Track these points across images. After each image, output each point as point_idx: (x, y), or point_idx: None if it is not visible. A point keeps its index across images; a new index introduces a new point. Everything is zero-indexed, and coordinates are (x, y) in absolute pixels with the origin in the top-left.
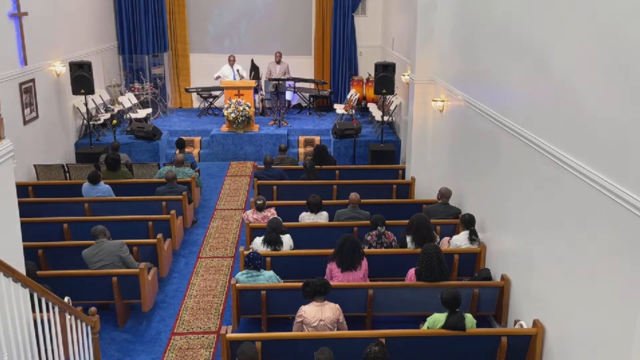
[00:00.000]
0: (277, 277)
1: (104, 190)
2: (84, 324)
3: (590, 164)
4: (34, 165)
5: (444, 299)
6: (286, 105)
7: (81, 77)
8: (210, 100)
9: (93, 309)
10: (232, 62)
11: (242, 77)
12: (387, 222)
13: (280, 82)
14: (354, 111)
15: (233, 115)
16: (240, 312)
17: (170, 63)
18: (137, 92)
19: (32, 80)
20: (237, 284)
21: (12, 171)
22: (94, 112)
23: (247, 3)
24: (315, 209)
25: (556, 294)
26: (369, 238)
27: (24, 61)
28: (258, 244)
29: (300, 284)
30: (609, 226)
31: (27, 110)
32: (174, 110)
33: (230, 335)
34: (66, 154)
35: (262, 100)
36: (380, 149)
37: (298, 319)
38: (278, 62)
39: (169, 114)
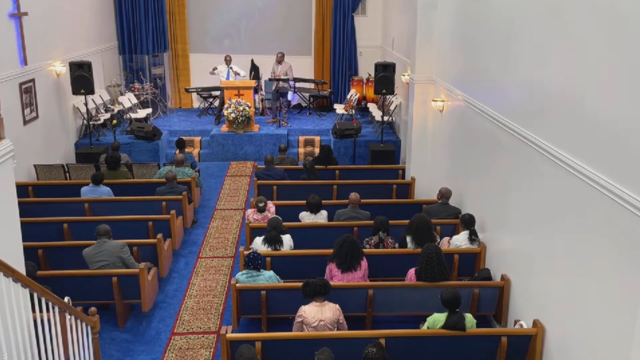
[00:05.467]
0: (277, 277)
1: (103, 192)
2: (84, 324)
3: (590, 164)
4: (34, 165)
5: (444, 299)
6: (286, 105)
7: (81, 77)
8: (210, 100)
9: (93, 309)
10: (228, 61)
11: (237, 74)
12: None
13: (279, 82)
14: (354, 111)
15: (233, 115)
16: (240, 312)
17: (170, 63)
18: (137, 92)
19: (32, 80)
20: (237, 284)
21: (12, 171)
22: (94, 112)
23: (247, 3)
24: (314, 209)
25: (556, 294)
26: (367, 247)
27: (24, 61)
28: (258, 243)
29: (300, 284)
30: (609, 226)
31: (27, 110)
32: (174, 110)
33: (230, 335)
34: (66, 154)
35: (262, 100)
36: (380, 149)
37: (298, 319)
38: (279, 62)
39: (169, 114)
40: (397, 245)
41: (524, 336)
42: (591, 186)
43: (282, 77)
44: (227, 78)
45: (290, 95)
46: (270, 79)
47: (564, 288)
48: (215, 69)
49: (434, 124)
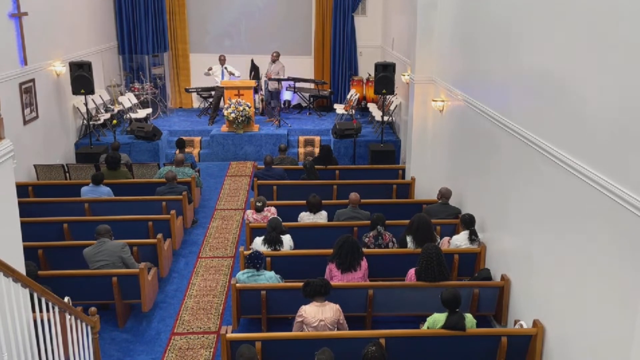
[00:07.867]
0: (278, 277)
1: (103, 192)
2: (84, 324)
3: (591, 164)
4: (34, 165)
5: (444, 299)
6: (280, 105)
7: (81, 77)
8: (210, 100)
9: (93, 309)
10: (222, 61)
11: (231, 74)
12: (387, 222)
13: (269, 83)
14: (354, 111)
15: (233, 115)
16: (240, 312)
17: (170, 63)
18: (137, 92)
19: (32, 80)
20: (237, 284)
21: (12, 171)
22: (94, 112)
23: (247, 3)
24: (314, 209)
25: (556, 294)
26: (366, 240)
27: (24, 61)
28: (258, 244)
29: (301, 284)
30: (609, 226)
31: (27, 110)
32: (174, 110)
33: (230, 335)
34: (66, 154)
35: (262, 100)
36: (380, 149)
37: (298, 319)
38: (273, 61)
39: (169, 114)
40: (395, 239)
41: (524, 336)
42: (591, 186)
43: (274, 76)
44: (222, 78)
45: (290, 95)
46: (266, 79)
47: (564, 288)
48: (210, 69)
49: (434, 124)
